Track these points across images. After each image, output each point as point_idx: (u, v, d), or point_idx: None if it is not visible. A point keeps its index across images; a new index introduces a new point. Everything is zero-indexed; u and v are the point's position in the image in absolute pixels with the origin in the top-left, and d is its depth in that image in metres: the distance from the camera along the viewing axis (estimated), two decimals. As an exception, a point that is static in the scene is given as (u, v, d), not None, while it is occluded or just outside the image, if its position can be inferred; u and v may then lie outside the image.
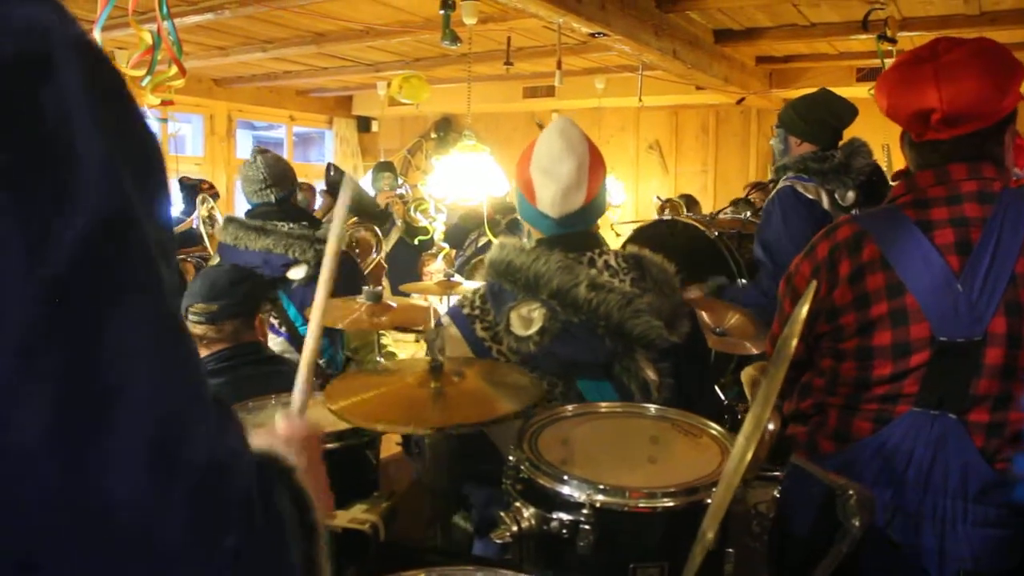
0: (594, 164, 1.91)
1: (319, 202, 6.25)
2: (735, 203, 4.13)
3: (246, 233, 3.29)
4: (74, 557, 0.46)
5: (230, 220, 3.42)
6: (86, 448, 0.46)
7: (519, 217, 2.06)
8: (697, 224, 3.40)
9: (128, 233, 0.50)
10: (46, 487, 0.45)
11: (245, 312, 2.52)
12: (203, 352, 2.42)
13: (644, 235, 3.57)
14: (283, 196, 3.46)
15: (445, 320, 2.00)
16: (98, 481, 0.46)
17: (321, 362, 3.31)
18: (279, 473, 0.68)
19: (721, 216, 3.80)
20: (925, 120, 1.79)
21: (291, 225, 3.32)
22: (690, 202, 6.47)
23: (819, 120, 3.04)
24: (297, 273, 3.23)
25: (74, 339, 0.46)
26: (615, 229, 6.04)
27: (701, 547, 1.17)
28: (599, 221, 2.11)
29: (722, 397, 2.70)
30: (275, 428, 0.88)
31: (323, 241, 3.28)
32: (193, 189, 5.54)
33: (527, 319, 1.80)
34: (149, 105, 2.60)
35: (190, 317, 2.40)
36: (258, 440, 0.73)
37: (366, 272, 4.30)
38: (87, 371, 0.46)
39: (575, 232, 1.92)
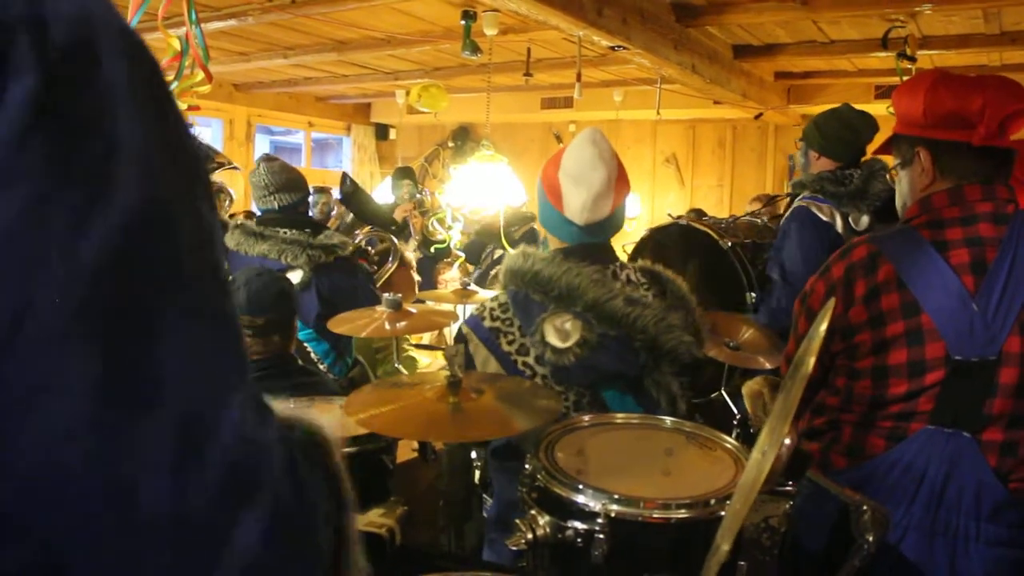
0: (620, 177, 1.93)
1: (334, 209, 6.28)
2: (754, 214, 4.13)
3: (246, 239, 3.35)
4: (100, 537, 0.46)
5: (236, 226, 3.46)
6: (121, 432, 0.46)
7: (540, 224, 2.07)
8: (711, 231, 3.40)
9: (168, 218, 0.50)
10: (83, 469, 0.45)
11: (289, 323, 2.52)
12: None
13: (658, 237, 3.58)
14: (289, 203, 3.50)
15: (467, 332, 1.99)
16: (131, 464, 0.46)
17: (323, 367, 3.33)
18: (315, 446, 0.68)
19: (740, 220, 3.79)
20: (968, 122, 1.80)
21: (290, 231, 3.36)
22: (699, 216, 6.47)
23: (836, 135, 3.03)
24: (292, 279, 3.27)
25: (113, 322, 0.47)
26: (625, 249, 6.05)
27: (716, 560, 1.18)
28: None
29: (735, 410, 2.70)
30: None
31: (316, 247, 3.31)
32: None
33: (562, 330, 1.81)
34: (175, 110, 2.63)
35: None
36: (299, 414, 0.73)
37: (385, 277, 4.32)
38: (124, 356, 0.47)
39: (596, 243, 1.94)
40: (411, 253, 4.87)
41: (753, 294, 3.21)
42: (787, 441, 1.24)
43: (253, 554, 0.51)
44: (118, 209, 0.47)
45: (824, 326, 1.22)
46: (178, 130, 0.55)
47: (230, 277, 2.63)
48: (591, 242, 1.93)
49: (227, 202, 5.48)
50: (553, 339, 1.82)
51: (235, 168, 5.20)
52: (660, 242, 3.56)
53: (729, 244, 3.29)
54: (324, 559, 0.61)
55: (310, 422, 0.72)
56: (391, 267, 4.48)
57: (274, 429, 0.56)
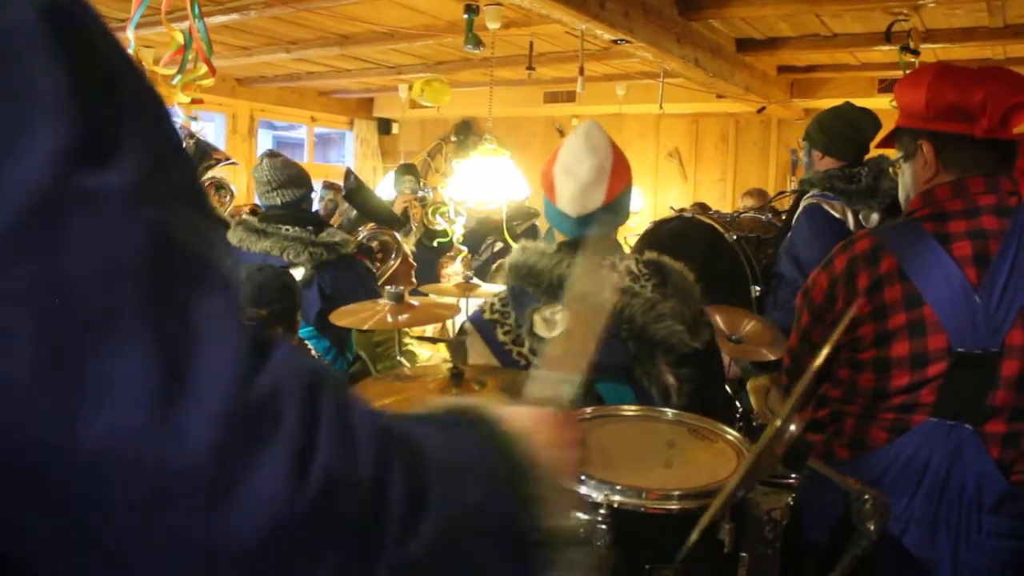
0: (617, 168, 1.93)
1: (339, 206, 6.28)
2: (759, 210, 4.12)
3: (248, 235, 3.35)
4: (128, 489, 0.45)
5: (239, 223, 3.47)
6: (75, 406, 0.45)
7: (545, 219, 2.08)
8: (716, 224, 3.40)
9: (96, 165, 0.48)
10: (46, 419, 0.44)
11: (291, 317, 2.54)
12: None
13: (663, 231, 3.58)
14: (292, 199, 3.50)
15: (468, 327, 2.02)
16: (103, 409, 0.45)
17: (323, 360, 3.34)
18: (464, 423, 0.63)
19: (742, 217, 3.79)
20: (970, 115, 1.80)
21: (292, 228, 3.36)
22: (702, 210, 6.46)
23: (839, 134, 3.03)
24: (295, 276, 3.27)
25: (47, 258, 0.45)
26: (627, 242, 6.05)
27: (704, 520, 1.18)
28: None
29: (737, 404, 2.71)
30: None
31: (318, 244, 3.32)
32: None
33: (550, 321, 1.82)
34: (179, 103, 2.64)
35: None
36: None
37: (388, 274, 4.33)
38: (68, 291, 0.45)
39: (596, 235, 1.94)
40: (408, 247, 4.88)
41: (757, 288, 3.21)
42: (791, 428, 1.24)
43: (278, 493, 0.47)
44: (31, 163, 0.46)
45: (841, 329, 1.22)
46: (114, 68, 0.53)
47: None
48: (588, 234, 1.94)
49: (228, 198, 5.48)
50: (540, 330, 1.83)
51: (234, 163, 5.20)
52: (664, 235, 3.56)
53: (734, 237, 3.29)
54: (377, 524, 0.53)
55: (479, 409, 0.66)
56: (393, 264, 4.48)
57: (287, 365, 0.52)
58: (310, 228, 3.42)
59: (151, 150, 0.52)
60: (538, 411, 0.79)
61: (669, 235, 3.53)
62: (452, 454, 0.59)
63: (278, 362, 0.52)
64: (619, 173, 1.94)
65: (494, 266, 4.44)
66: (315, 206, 4.43)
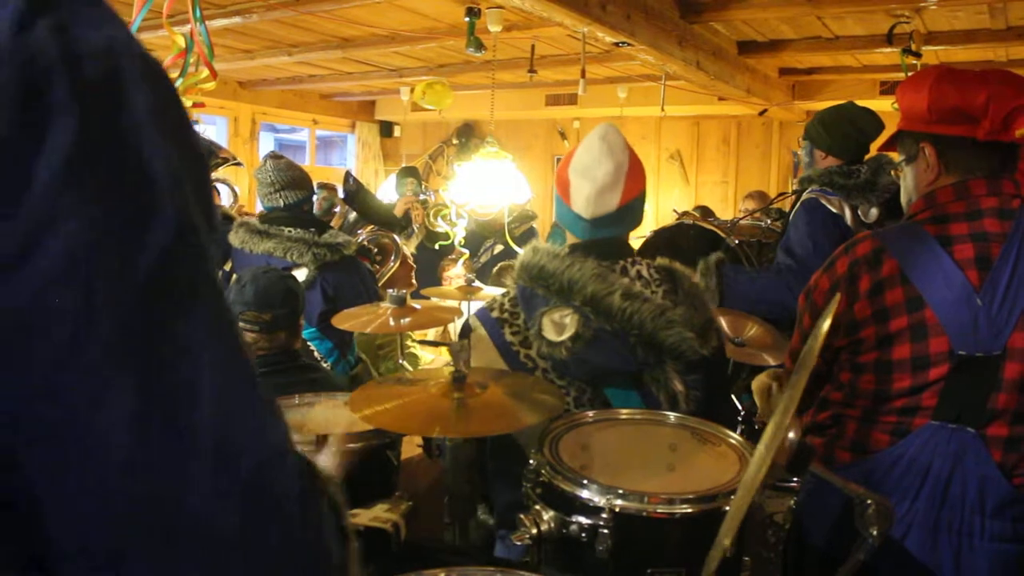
0: (632, 171, 1.92)
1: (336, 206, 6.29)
2: (761, 212, 4.12)
3: (251, 237, 3.37)
4: (141, 548, 0.50)
5: (241, 224, 3.48)
6: (162, 440, 0.49)
7: (556, 220, 2.07)
8: (717, 230, 3.40)
9: (194, 241, 0.53)
10: (126, 478, 0.49)
11: (294, 321, 2.54)
12: None
13: (663, 237, 3.58)
14: (294, 201, 3.51)
15: (473, 322, 2.00)
16: (171, 474, 0.50)
17: (326, 365, 3.34)
18: (318, 479, 0.71)
19: (741, 223, 3.80)
20: (972, 118, 1.80)
21: (295, 230, 3.37)
22: (705, 214, 6.46)
23: (843, 133, 3.03)
24: (298, 276, 3.28)
25: (156, 339, 0.50)
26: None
27: (717, 552, 1.18)
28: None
29: (739, 406, 2.71)
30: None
31: (321, 245, 3.32)
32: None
33: (560, 324, 1.81)
34: (180, 107, 2.63)
35: (240, 324, 2.38)
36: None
37: (388, 277, 4.33)
38: (166, 368, 0.50)
39: (608, 238, 1.93)
40: (408, 249, 4.88)
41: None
42: (791, 435, 1.24)
43: (274, 556, 0.54)
44: (158, 234, 0.50)
45: (828, 323, 1.23)
46: (195, 150, 0.58)
47: (235, 275, 2.64)
48: (601, 237, 1.93)
49: (232, 199, 5.49)
50: (549, 333, 1.82)
51: (239, 164, 5.21)
52: (662, 242, 3.55)
53: (736, 242, 3.30)
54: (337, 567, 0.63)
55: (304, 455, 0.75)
56: (393, 266, 4.48)
57: (290, 442, 0.59)
58: (312, 230, 3.43)
59: (207, 208, 0.57)
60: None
61: (668, 241, 3.53)
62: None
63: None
64: (635, 176, 1.93)
65: (495, 268, 4.44)
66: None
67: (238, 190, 5.65)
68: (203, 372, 0.51)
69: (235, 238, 3.42)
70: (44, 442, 0.48)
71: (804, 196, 3.04)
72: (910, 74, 3.33)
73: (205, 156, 0.60)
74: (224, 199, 5.42)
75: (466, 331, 2.01)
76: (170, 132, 0.53)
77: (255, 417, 0.55)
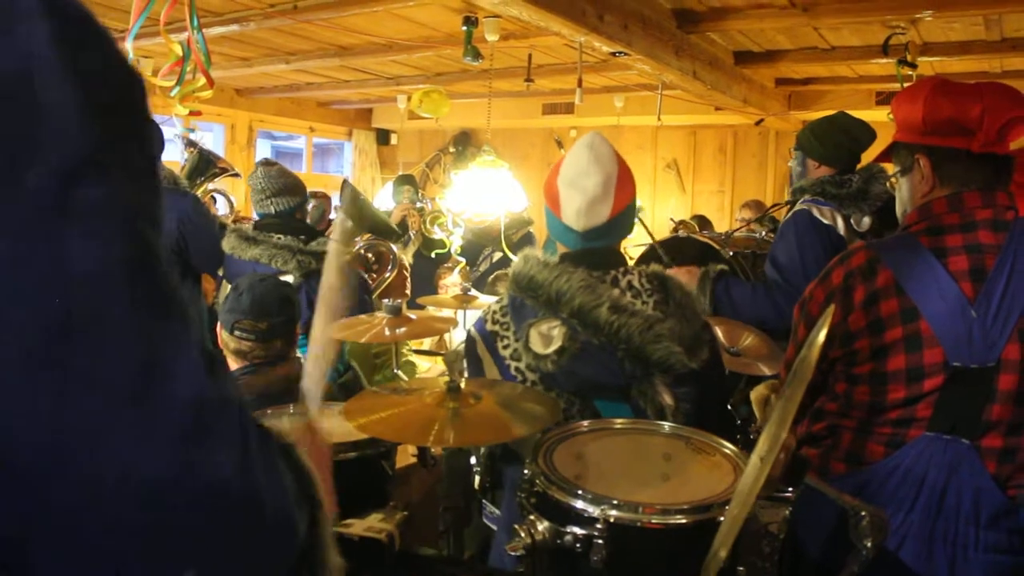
0: (622, 181, 1.90)
1: (333, 216, 6.29)
2: (757, 221, 4.13)
3: (240, 243, 3.37)
4: (65, 493, 0.49)
5: (232, 230, 3.48)
6: (63, 393, 0.48)
7: (547, 230, 2.06)
8: (711, 243, 3.41)
9: (96, 179, 0.52)
10: (27, 432, 0.48)
11: (291, 329, 2.53)
12: (233, 365, 2.42)
13: (658, 251, 3.57)
14: (285, 208, 3.52)
15: (473, 334, 1.99)
16: (81, 413, 0.49)
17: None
18: (279, 447, 0.69)
19: (736, 235, 3.80)
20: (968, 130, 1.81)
21: (284, 237, 3.37)
22: (703, 223, 6.48)
23: (836, 143, 3.04)
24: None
25: (43, 273, 0.49)
26: (627, 252, 6.05)
27: (714, 565, 1.18)
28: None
29: (735, 417, 2.71)
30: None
31: (306, 252, 3.32)
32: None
33: (547, 336, 1.80)
34: (177, 115, 2.64)
35: (236, 333, 2.38)
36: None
37: (383, 286, 4.33)
38: (59, 302, 0.49)
39: (599, 248, 1.92)
40: (407, 258, 4.88)
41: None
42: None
43: (226, 484, 0.53)
44: (44, 169, 0.49)
45: (823, 333, 1.23)
46: (118, 85, 0.57)
47: (225, 282, 2.64)
48: (592, 247, 1.92)
49: (228, 209, 5.49)
50: (536, 345, 1.80)
51: (236, 175, 5.22)
52: (660, 254, 3.55)
53: (730, 253, 3.30)
54: (298, 532, 0.62)
55: (274, 424, 0.74)
56: (389, 276, 4.48)
57: (232, 386, 0.58)
58: (302, 237, 3.43)
59: (140, 165, 0.56)
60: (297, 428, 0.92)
61: (665, 254, 3.53)
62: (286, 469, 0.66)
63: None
64: (624, 186, 1.91)
65: (491, 277, 4.44)
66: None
67: (234, 200, 5.65)
68: (109, 306, 0.51)
69: (226, 244, 3.43)
70: None
71: (796, 207, 3.04)
72: (906, 85, 3.35)
73: (136, 92, 0.58)
74: (221, 208, 5.43)
75: (470, 345, 1.99)
76: (79, 67, 0.52)
77: (181, 357, 0.53)
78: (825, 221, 2.94)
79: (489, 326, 1.95)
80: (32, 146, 0.49)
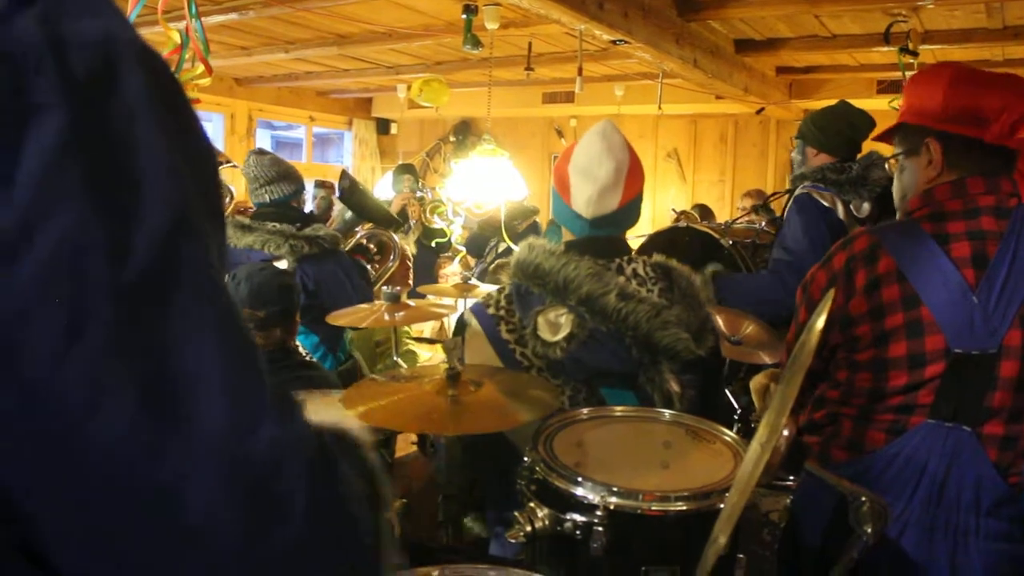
0: (633, 170, 1.91)
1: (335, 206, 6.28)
2: (755, 209, 4.12)
3: (235, 231, 3.38)
4: (139, 545, 0.48)
5: (227, 220, 3.48)
6: (165, 439, 0.48)
7: (553, 216, 2.06)
8: (712, 232, 3.40)
9: (191, 235, 0.52)
10: (129, 476, 0.47)
11: (290, 318, 2.53)
12: None
13: (659, 241, 3.57)
14: (280, 197, 3.52)
15: (468, 317, 1.99)
16: (174, 471, 0.48)
17: (313, 359, 3.34)
18: (348, 448, 0.68)
19: (735, 225, 3.80)
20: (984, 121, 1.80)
21: (278, 224, 3.37)
22: (704, 212, 6.47)
23: (837, 132, 3.05)
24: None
25: (152, 337, 0.49)
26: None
27: (713, 551, 1.18)
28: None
29: (735, 404, 2.71)
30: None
31: (299, 237, 3.32)
32: None
33: (555, 324, 1.80)
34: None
35: None
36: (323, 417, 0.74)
37: (386, 276, 4.33)
38: (165, 367, 0.49)
39: (606, 236, 1.92)
40: (408, 246, 4.88)
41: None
42: (785, 433, 1.24)
43: (283, 561, 0.52)
44: (148, 228, 0.49)
45: (822, 319, 1.22)
46: (199, 145, 0.57)
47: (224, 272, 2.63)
48: (598, 235, 1.92)
49: (228, 199, 5.48)
50: (544, 332, 1.81)
51: (234, 166, 5.22)
52: (662, 244, 3.55)
53: (730, 243, 3.30)
54: (367, 550, 0.62)
55: (337, 425, 0.72)
56: (392, 266, 4.48)
57: (302, 424, 0.57)
58: (297, 225, 3.43)
59: (212, 201, 0.57)
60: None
61: (665, 244, 3.52)
62: (352, 479, 0.65)
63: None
64: (635, 176, 1.92)
65: (492, 266, 4.43)
66: (308, 206, 4.42)
67: (234, 190, 5.65)
68: (208, 370, 0.50)
69: None
70: (38, 448, 0.47)
71: (796, 193, 3.05)
72: (908, 73, 3.33)
73: (212, 149, 0.59)
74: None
75: (461, 326, 2.00)
76: (169, 126, 0.52)
77: (265, 412, 0.53)
78: (825, 204, 2.94)
79: (492, 311, 1.94)
80: (138, 203, 0.49)
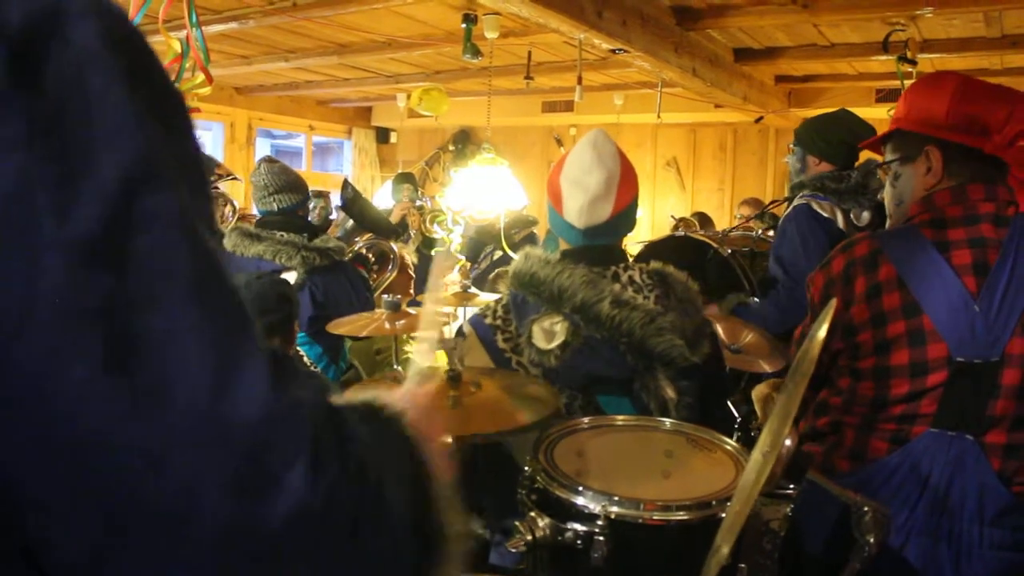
0: (625, 179, 1.91)
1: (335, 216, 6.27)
2: (758, 218, 4.13)
3: (242, 240, 3.38)
4: (119, 520, 0.46)
5: (233, 228, 3.49)
6: (134, 403, 0.46)
7: (549, 226, 2.06)
8: (710, 241, 3.40)
9: (153, 185, 0.49)
10: (98, 444, 0.46)
11: (289, 327, 2.53)
12: None
13: (657, 250, 3.57)
14: (288, 206, 3.53)
15: (466, 328, 2.00)
16: (146, 437, 0.46)
17: (317, 370, 3.34)
18: (383, 420, 0.65)
19: (732, 234, 3.80)
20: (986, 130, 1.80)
21: (287, 234, 3.37)
22: (703, 220, 6.47)
23: (838, 140, 3.04)
24: (288, 279, 3.28)
25: (110, 295, 0.46)
26: (627, 250, 6.03)
27: (716, 561, 1.17)
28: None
29: (735, 413, 2.70)
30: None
31: (311, 249, 3.32)
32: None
33: (549, 332, 1.81)
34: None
35: None
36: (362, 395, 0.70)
37: (385, 284, 4.33)
38: (127, 327, 0.46)
39: (600, 245, 1.93)
40: (409, 257, 4.87)
41: (755, 299, 3.21)
42: (787, 443, 1.23)
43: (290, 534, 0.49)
44: (100, 180, 0.47)
45: (824, 328, 1.22)
46: (164, 92, 0.55)
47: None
48: (593, 244, 1.92)
49: (229, 211, 5.48)
50: (539, 340, 1.81)
51: (236, 179, 5.21)
52: (658, 253, 3.55)
53: (728, 251, 3.30)
54: (398, 534, 0.57)
55: (372, 399, 0.68)
56: (391, 275, 4.47)
57: (303, 393, 0.54)
58: (305, 235, 3.44)
59: (190, 168, 0.54)
60: (408, 392, 0.82)
61: (661, 253, 3.52)
62: (379, 453, 0.61)
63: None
64: (627, 184, 1.92)
65: (491, 275, 4.43)
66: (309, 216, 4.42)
67: (237, 204, 5.64)
68: (178, 331, 0.48)
69: (228, 242, 3.43)
70: (4, 420, 0.45)
71: (795, 202, 3.04)
72: (907, 82, 3.34)
73: (181, 98, 0.57)
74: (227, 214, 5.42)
75: (461, 335, 2.01)
76: (127, 74, 0.50)
77: (248, 372, 0.50)
78: (824, 214, 2.94)
79: (489, 321, 1.95)
80: (89, 152, 0.47)
